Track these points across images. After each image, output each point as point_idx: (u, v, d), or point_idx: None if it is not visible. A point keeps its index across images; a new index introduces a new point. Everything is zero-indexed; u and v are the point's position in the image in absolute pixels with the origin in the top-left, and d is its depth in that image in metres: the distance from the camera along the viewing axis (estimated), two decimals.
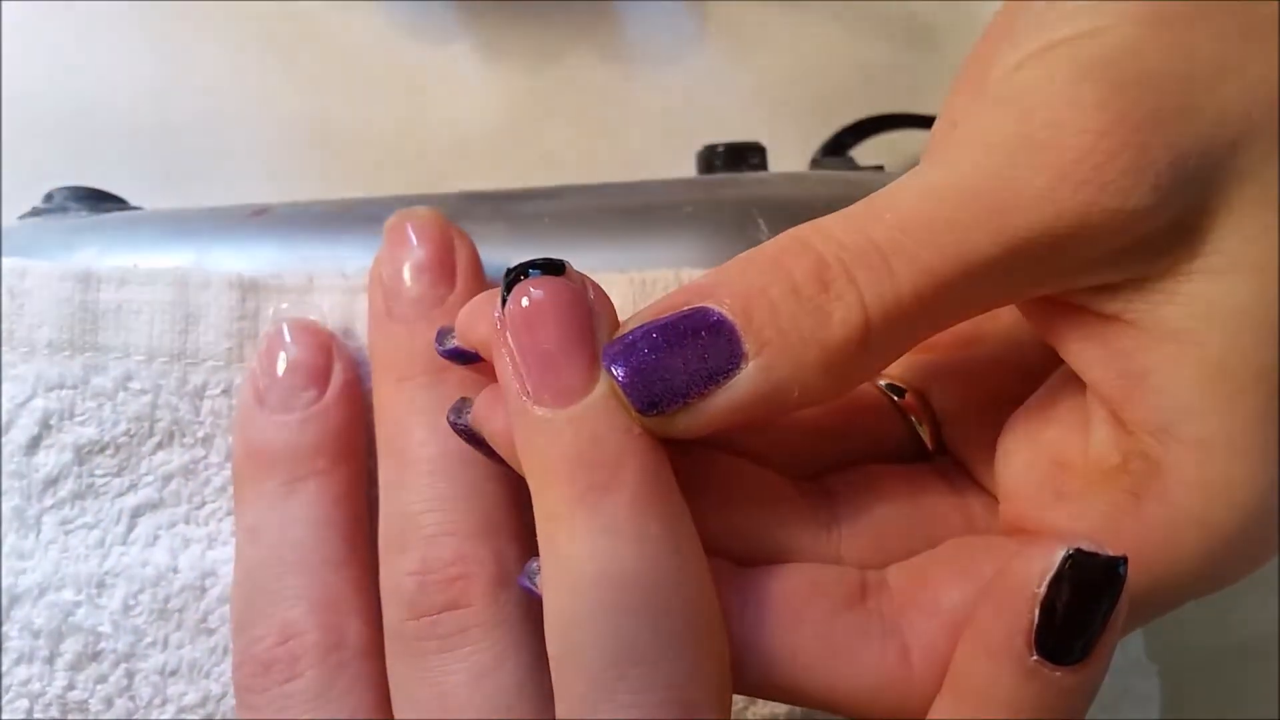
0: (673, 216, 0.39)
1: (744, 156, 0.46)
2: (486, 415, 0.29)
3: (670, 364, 0.26)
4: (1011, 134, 0.26)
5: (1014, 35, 0.28)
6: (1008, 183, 0.25)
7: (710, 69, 0.59)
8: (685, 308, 0.27)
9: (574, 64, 0.58)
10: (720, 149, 0.46)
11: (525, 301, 0.27)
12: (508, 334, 0.27)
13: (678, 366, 0.26)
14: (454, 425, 0.30)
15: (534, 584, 0.28)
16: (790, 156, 0.53)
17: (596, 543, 0.26)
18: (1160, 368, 0.26)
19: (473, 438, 0.30)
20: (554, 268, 0.27)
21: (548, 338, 0.27)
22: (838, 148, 0.53)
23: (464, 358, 0.30)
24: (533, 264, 0.27)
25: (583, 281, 0.28)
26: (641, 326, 0.27)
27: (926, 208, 0.26)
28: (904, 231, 0.26)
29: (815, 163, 0.52)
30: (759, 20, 0.59)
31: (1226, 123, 0.26)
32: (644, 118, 0.58)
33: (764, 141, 0.46)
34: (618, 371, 0.27)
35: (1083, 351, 0.28)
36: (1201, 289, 0.26)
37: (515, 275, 0.27)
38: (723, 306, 0.26)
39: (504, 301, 0.27)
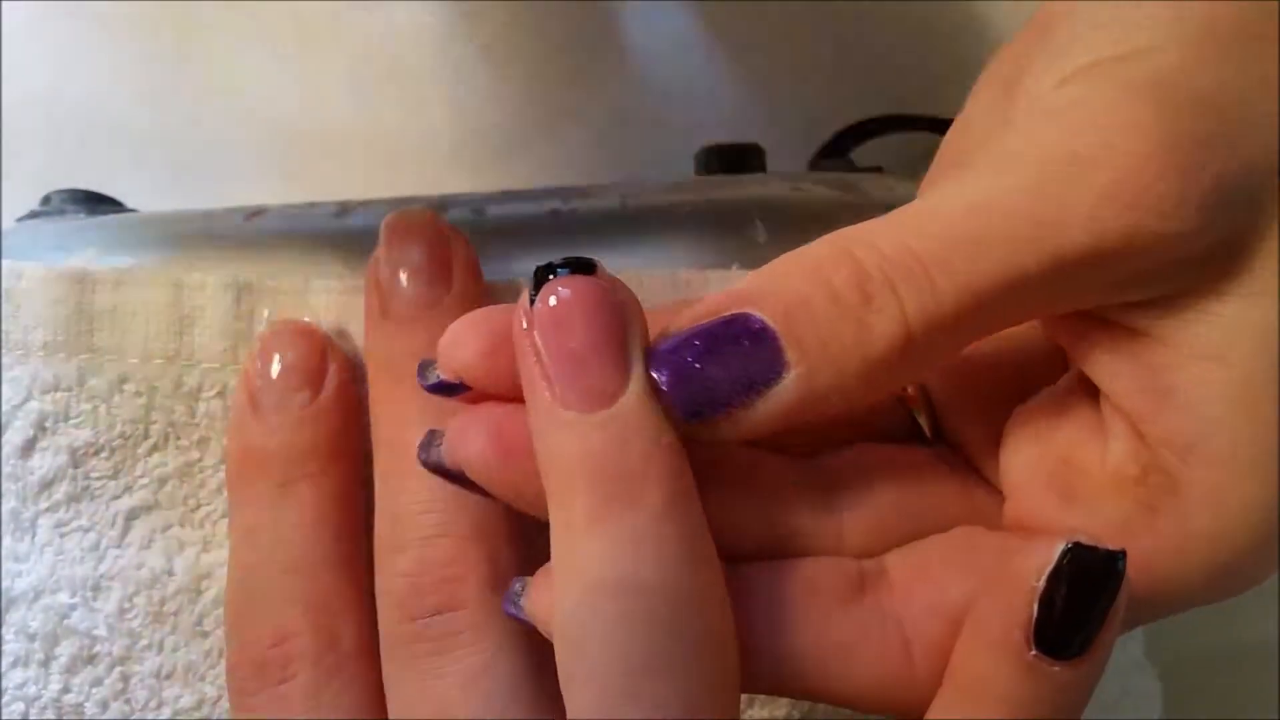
0: (670, 217, 0.39)
1: (743, 158, 0.46)
2: (461, 441, 0.28)
3: (712, 371, 0.26)
4: (1058, 151, 0.26)
5: (1054, 48, 0.28)
6: (1053, 200, 0.25)
7: (709, 70, 0.59)
8: (727, 314, 0.26)
9: (572, 65, 0.58)
10: (719, 150, 0.46)
11: (554, 300, 0.26)
12: (535, 334, 0.26)
13: (719, 374, 0.26)
14: (424, 462, 0.29)
15: (518, 608, 0.28)
16: (790, 158, 0.53)
17: (621, 552, 0.26)
18: (1187, 385, 0.26)
19: (444, 471, 0.29)
20: (584, 266, 0.27)
21: (578, 338, 0.26)
22: (837, 149, 0.53)
23: (449, 390, 0.29)
24: (562, 262, 0.27)
25: (613, 282, 0.27)
26: (684, 332, 0.27)
27: (970, 221, 0.26)
28: (947, 245, 0.26)
29: (814, 164, 0.52)
30: (758, 21, 0.58)
31: (1269, 145, 0.26)
32: (642, 119, 0.58)
33: (763, 143, 0.46)
34: (661, 378, 0.26)
35: (1108, 365, 0.28)
36: (1235, 309, 0.26)
37: (544, 273, 0.27)
38: (764, 314, 0.26)
39: (532, 301, 0.27)
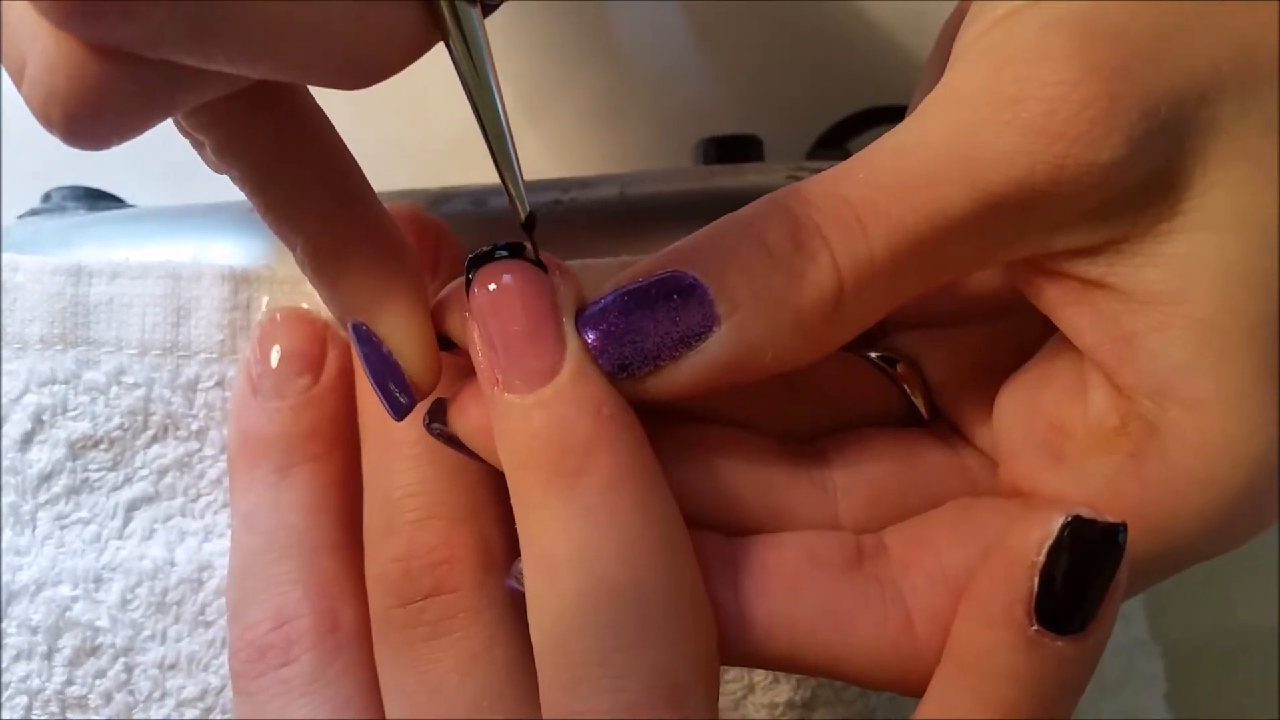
0: (670, 206, 0.39)
1: (742, 149, 0.46)
2: (457, 415, 0.29)
3: (642, 327, 0.27)
4: (983, 90, 0.26)
5: (982, 5, 0.28)
6: (981, 137, 0.25)
7: (707, 64, 0.59)
8: (659, 272, 0.27)
9: (571, 61, 0.58)
10: (718, 142, 0.46)
11: (492, 286, 0.27)
12: (475, 321, 0.27)
13: (649, 329, 0.27)
14: (428, 428, 0.30)
15: (520, 585, 0.28)
16: (788, 151, 0.53)
17: (569, 528, 0.26)
18: (1149, 331, 0.26)
19: (451, 440, 0.29)
20: (515, 250, 0.27)
21: (514, 321, 0.27)
22: (834, 140, 0.53)
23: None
24: (495, 248, 0.27)
25: (547, 262, 0.28)
26: (614, 291, 0.27)
27: (900, 165, 0.26)
28: (877, 189, 0.26)
29: (812, 155, 0.52)
30: (756, 15, 0.59)
31: (1195, 74, 0.26)
32: (642, 113, 0.58)
33: (761, 136, 0.46)
34: (589, 335, 0.27)
35: (1073, 318, 0.28)
36: (1183, 248, 0.26)
37: (478, 261, 0.27)
38: (696, 269, 0.26)
39: (468, 288, 0.27)
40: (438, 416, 0.29)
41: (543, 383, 0.26)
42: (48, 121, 0.22)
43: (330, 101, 0.28)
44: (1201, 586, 0.52)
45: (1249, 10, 0.26)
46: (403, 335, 0.28)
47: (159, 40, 0.21)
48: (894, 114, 0.54)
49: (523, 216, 0.27)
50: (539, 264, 0.27)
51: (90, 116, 0.22)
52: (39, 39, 0.21)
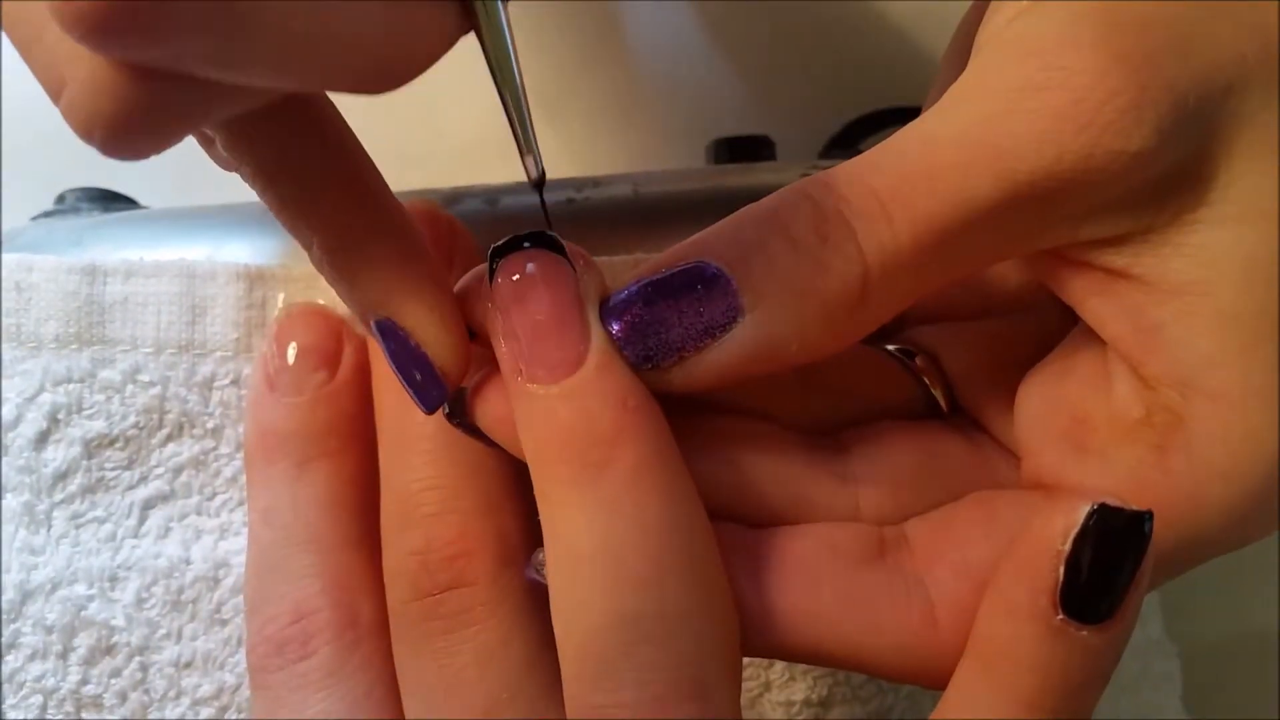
0: (682, 205, 0.39)
1: (754, 150, 0.46)
2: (479, 405, 0.29)
3: (666, 318, 0.26)
4: (1010, 79, 0.26)
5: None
6: (1007, 126, 0.25)
7: (720, 64, 0.59)
8: (683, 262, 0.26)
9: (583, 63, 0.58)
10: (730, 142, 0.46)
11: (509, 278, 0.26)
12: (498, 311, 0.27)
13: (673, 321, 0.26)
14: (449, 419, 0.30)
15: (540, 575, 0.28)
16: (800, 152, 0.53)
17: (594, 520, 0.26)
18: (1174, 321, 0.26)
19: (472, 430, 0.29)
20: (540, 240, 0.27)
21: (538, 311, 0.26)
22: (846, 142, 0.53)
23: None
24: (518, 238, 0.27)
25: (570, 252, 0.27)
26: (638, 282, 0.27)
27: (926, 154, 0.26)
28: (903, 178, 0.26)
29: (824, 155, 0.52)
30: (769, 14, 0.59)
31: (1222, 65, 0.25)
32: (654, 113, 0.58)
33: (774, 137, 0.46)
34: (613, 326, 0.27)
35: (1098, 308, 0.27)
36: (1208, 238, 0.26)
37: (501, 251, 0.27)
38: (719, 260, 0.26)
39: (491, 278, 0.27)
40: (458, 407, 0.29)
41: (567, 373, 0.26)
42: (89, 139, 0.22)
43: (343, 105, 0.28)
44: (1218, 586, 0.52)
45: (1272, 5, 0.26)
46: (429, 325, 0.28)
47: (188, 58, 0.21)
48: (907, 115, 0.54)
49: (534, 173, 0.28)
50: (563, 254, 0.27)
51: (130, 133, 0.22)
52: (78, 62, 0.21)
